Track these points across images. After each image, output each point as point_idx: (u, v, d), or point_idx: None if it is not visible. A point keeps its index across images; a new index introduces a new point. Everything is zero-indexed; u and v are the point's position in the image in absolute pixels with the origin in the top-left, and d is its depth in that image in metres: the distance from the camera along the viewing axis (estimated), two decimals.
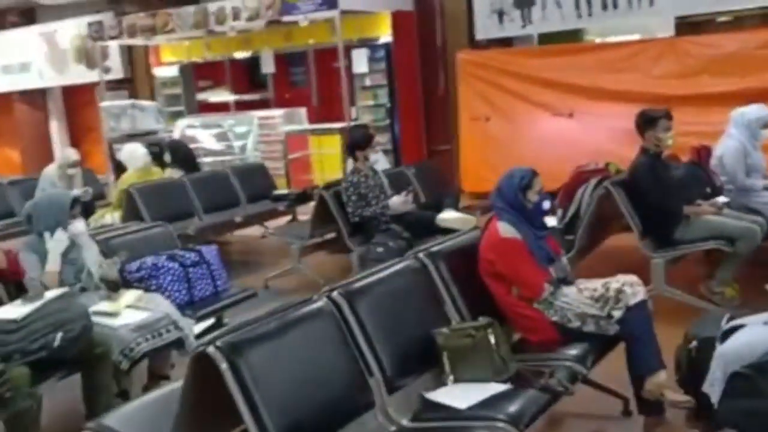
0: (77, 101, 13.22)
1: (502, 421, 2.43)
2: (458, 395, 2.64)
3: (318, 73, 10.22)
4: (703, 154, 5.26)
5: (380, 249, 5.00)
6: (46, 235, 3.76)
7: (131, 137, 9.28)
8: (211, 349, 2.30)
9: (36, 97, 13.25)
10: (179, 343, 3.66)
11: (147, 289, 4.00)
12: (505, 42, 8.75)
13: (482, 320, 2.86)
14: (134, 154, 6.95)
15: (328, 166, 8.76)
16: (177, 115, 10.80)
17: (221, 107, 10.90)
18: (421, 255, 3.19)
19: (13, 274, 3.75)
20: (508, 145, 8.11)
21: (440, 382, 2.82)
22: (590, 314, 3.05)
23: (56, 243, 3.75)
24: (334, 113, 9.45)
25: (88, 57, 11.78)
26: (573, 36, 8.63)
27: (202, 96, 11.18)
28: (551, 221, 3.48)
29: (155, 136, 9.55)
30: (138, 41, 10.63)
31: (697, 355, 2.95)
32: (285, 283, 5.98)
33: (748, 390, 2.55)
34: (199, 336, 3.82)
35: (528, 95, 8.05)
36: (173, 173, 7.07)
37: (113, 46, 11.22)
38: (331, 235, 6.04)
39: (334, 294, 2.75)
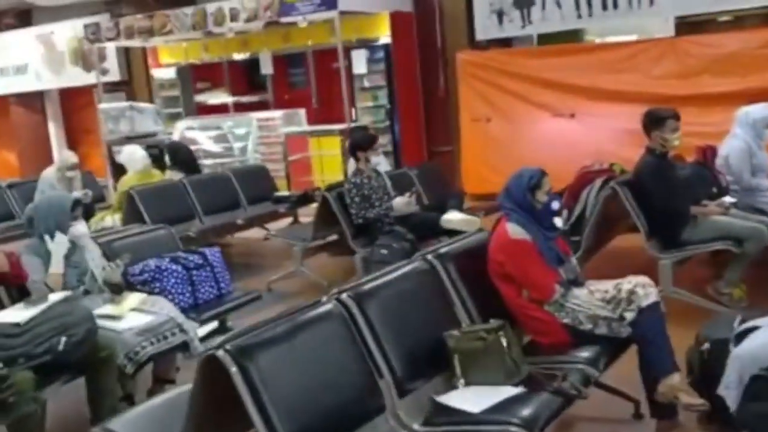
0: (74, 103, 13.17)
1: (515, 425, 2.39)
2: (470, 399, 2.60)
3: (317, 74, 10.18)
4: (708, 154, 5.24)
5: (384, 251, 4.97)
6: (46, 238, 3.72)
7: (130, 139, 9.25)
8: (220, 353, 2.27)
9: (33, 100, 13.19)
10: (184, 347, 3.63)
11: (150, 292, 3.97)
12: (505, 42, 8.73)
13: (493, 322, 2.82)
14: (134, 156, 6.91)
15: (328, 167, 8.73)
16: (175, 117, 10.75)
17: (219, 109, 10.85)
18: (429, 256, 3.15)
19: (15, 277, 3.70)
20: (508, 145, 8.10)
21: (451, 386, 2.78)
22: (602, 316, 3.01)
23: (57, 245, 3.71)
24: (333, 114, 9.42)
25: (85, 59, 11.74)
26: (572, 36, 8.63)
27: (200, 98, 11.14)
28: (557, 222, 3.44)
29: (154, 138, 9.52)
30: (135, 43, 10.59)
31: (709, 357, 2.93)
32: (288, 286, 5.93)
33: None
34: (203, 339, 3.80)
35: (528, 96, 8.05)
36: (173, 175, 7.02)
37: (110, 47, 11.18)
38: (333, 237, 6.01)
39: (343, 296, 2.71)
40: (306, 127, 9.36)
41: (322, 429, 2.36)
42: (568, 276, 3.20)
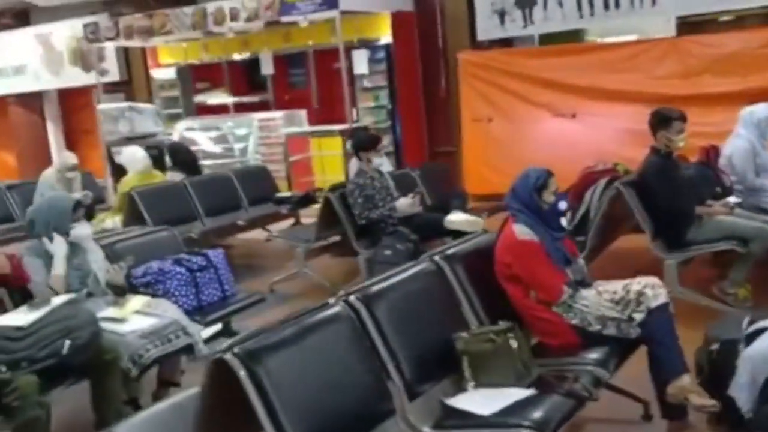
0: (73, 104, 13.13)
1: (527, 428, 2.38)
2: (480, 401, 2.58)
3: (318, 74, 10.15)
4: (711, 153, 5.24)
5: (388, 252, 4.95)
6: (45, 240, 3.69)
7: (129, 140, 9.22)
8: (228, 356, 2.25)
9: (32, 100, 13.15)
10: (188, 350, 3.60)
11: (154, 295, 3.93)
12: (506, 42, 8.72)
13: (503, 324, 2.80)
14: (134, 157, 6.87)
15: (329, 168, 8.71)
16: (175, 118, 10.72)
17: (219, 109, 10.82)
18: (437, 258, 3.13)
19: (17, 279, 3.67)
20: (510, 146, 8.09)
21: (459, 388, 2.77)
22: (611, 317, 2.99)
23: (57, 247, 3.68)
24: (334, 115, 9.40)
25: (84, 59, 11.70)
26: (573, 36, 8.62)
27: (200, 98, 11.10)
28: (563, 222, 3.42)
29: (154, 138, 9.49)
30: (135, 43, 10.55)
31: (718, 357, 2.91)
32: (291, 287, 5.91)
33: None
34: (207, 341, 3.77)
35: (530, 96, 8.04)
36: (174, 176, 6.99)
37: (110, 48, 11.14)
38: (336, 238, 5.98)
39: (351, 298, 2.69)
40: (307, 128, 9.33)
41: None
42: (575, 277, 3.18)
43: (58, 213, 3.77)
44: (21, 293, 3.65)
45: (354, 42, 9.02)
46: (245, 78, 11.03)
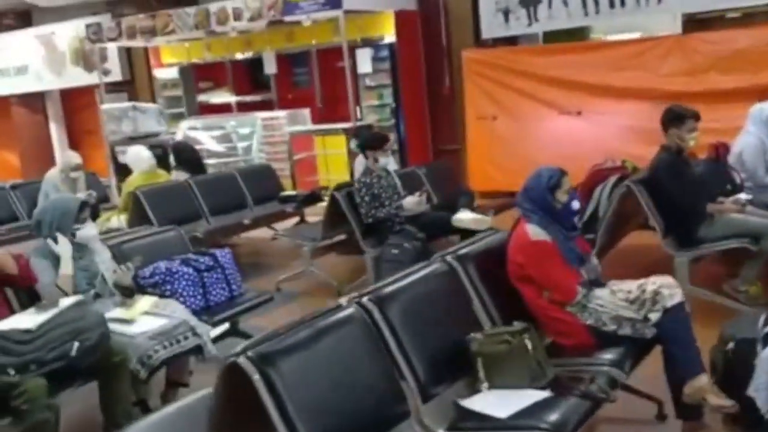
0: (76, 104, 13.11)
1: (545, 430, 2.35)
2: (495, 403, 2.55)
3: (321, 73, 10.12)
4: (720, 150, 5.19)
5: (396, 250, 4.93)
6: (49, 241, 3.67)
7: (133, 140, 9.20)
8: (242, 360, 2.23)
9: (34, 101, 13.13)
10: (197, 350, 3.57)
11: (161, 295, 3.91)
12: (510, 41, 8.68)
13: (518, 325, 2.77)
14: (139, 156, 6.86)
15: (333, 166, 8.68)
16: (178, 117, 10.69)
17: (222, 109, 10.79)
18: (449, 258, 3.10)
19: (24, 279, 3.65)
20: (514, 144, 8.07)
21: (473, 389, 2.73)
22: (626, 317, 2.96)
23: (62, 248, 3.66)
24: (338, 113, 9.36)
25: (86, 59, 11.67)
26: (578, 34, 8.58)
27: (202, 97, 11.08)
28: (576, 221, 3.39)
29: (157, 138, 9.46)
30: (137, 43, 10.52)
31: (734, 356, 2.87)
32: (297, 286, 5.88)
33: None
34: (214, 341, 3.75)
35: (535, 94, 8.01)
36: (179, 175, 6.97)
37: (112, 48, 11.11)
38: (341, 237, 5.95)
39: (364, 300, 2.66)
40: (311, 126, 9.30)
41: None
42: (589, 276, 3.15)
43: (61, 214, 3.75)
44: (28, 294, 3.62)
45: (357, 41, 8.98)
46: (248, 77, 11.01)
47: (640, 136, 7.03)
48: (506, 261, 3.18)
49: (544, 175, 3.22)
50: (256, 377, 2.20)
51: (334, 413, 2.32)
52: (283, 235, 6.53)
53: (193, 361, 3.78)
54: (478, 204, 6.46)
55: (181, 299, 3.97)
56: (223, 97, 10.89)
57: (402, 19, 8.89)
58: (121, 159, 8.30)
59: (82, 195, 6.03)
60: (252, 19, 8.93)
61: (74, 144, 12.79)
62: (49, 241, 3.67)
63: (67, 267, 3.62)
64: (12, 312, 3.50)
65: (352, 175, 7.18)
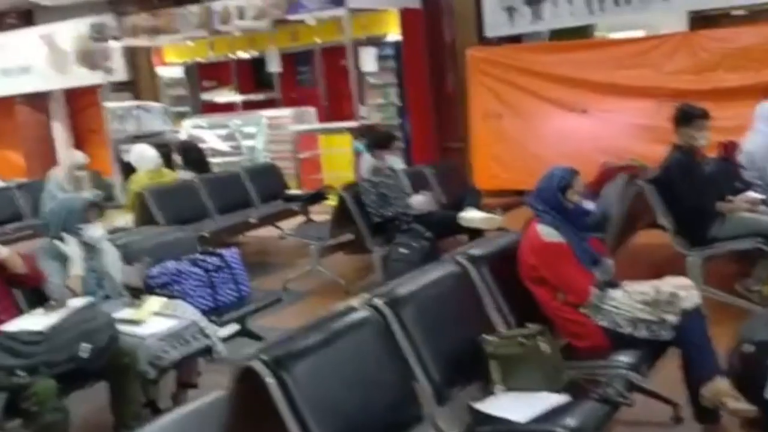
0: (80, 103, 13.07)
1: None
2: (511, 406, 2.52)
3: (325, 72, 10.09)
4: (730, 149, 5.17)
5: (404, 249, 4.90)
6: (57, 242, 3.65)
7: (137, 138, 9.17)
8: (256, 363, 2.21)
9: (38, 100, 13.08)
10: (207, 351, 3.55)
11: (170, 296, 3.88)
12: (515, 39, 8.64)
13: (532, 327, 2.74)
14: (144, 155, 6.83)
15: (338, 165, 8.65)
16: (182, 116, 10.67)
17: (226, 107, 10.77)
18: (461, 259, 3.07)
19: (32, 279, 3.63)
20: (519, 142, 8.03)
21: (487, 392, 2.71)
22: (642, 319, 2.93)
23: (71, 248, 3.64)
24: (342, 112, 9.34)
25: (89, 58, 11.62)
26: (582, 32, 8.54)
27: (206, 96, 11.06)
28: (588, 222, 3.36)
29: (161, 136, 9.44)
30: (141, 42, 10.49)
31: (752, 359, 2.84)
32: (305, 285, 5.85)
33: None
34: (223, 341, 3.72)
35: (540, 92, 7.97)
36: (184, 175, 6.95)
37: (115, 47, 11.07)
38: (348, 236, 5.93)
39: (378, 302, 2.63)
40: (316, 125, 9.27)
41: None
42: (603, 277, 3.11)
43: (68, 214, 3.74)
44: (35, 293, 3.60)
45: (362, 39, 8.94)
46: (252, 76, 10.97)
47: (646, 134, 7.00)
48: (519, 262, 3.15)
49: (556, 176, 3.19)
50: (270, 381, 2.18)
51: (348, 416, 2.30)
52: (290, 234, 6.51)
53: (202, 362, 3.75)
54: (485, 202, 6.42)
55: (190, 299, 3.93)
56: (227, 95, 10.87)
57: (406, 17, 8.85)
58: (126, 158, 8.28)
59: (89, 195, 6.02)
60: (255, 18, 8.90)
61: (78, 143, 12.74)
62: (58, 242, 3.65)
63: (77, 267, 3.60)
64: (20, 312, 3.48)
65: (357, 173, 7.15)
